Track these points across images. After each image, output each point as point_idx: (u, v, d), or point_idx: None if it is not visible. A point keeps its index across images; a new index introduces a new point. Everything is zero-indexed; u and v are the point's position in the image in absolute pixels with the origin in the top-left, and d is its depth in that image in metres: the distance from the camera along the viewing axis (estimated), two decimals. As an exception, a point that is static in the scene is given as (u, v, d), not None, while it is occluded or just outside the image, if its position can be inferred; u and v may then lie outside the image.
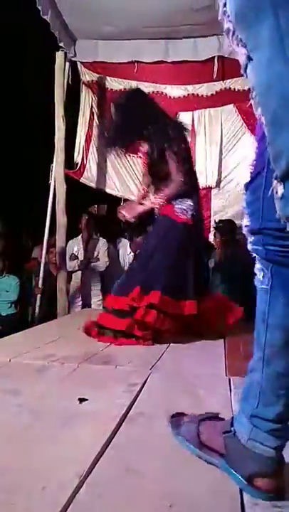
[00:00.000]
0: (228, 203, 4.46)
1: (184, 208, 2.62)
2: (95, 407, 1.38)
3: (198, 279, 2.60)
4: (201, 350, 2.35)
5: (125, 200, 5.01)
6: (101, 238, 4.75)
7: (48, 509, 0.83)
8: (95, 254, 4.61)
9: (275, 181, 0.68)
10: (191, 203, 2.65)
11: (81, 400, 1.42)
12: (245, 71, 0.69)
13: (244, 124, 4.38)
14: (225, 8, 0.69)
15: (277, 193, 0.68)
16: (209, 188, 4.49)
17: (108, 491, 0.91)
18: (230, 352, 2.26)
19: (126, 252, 4.89)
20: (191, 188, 2.70)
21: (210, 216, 4.54)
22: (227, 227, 4.02)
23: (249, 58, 0.67)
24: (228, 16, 0.68)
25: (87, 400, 1.43)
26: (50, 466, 1.00)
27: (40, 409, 1.36)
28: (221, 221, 4.17)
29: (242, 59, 0.69)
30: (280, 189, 0.67)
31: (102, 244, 4.70)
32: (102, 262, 4.62)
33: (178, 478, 0.98)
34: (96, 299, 4.58)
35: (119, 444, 1.13)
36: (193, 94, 4.50)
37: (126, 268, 4.51)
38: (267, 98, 0.66)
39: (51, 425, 1.23)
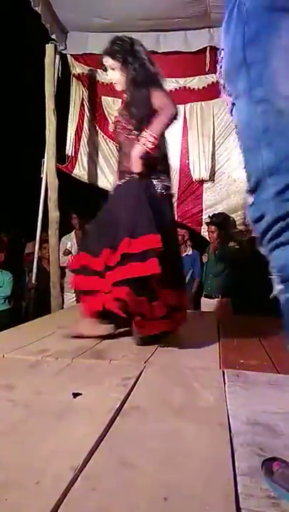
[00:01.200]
0: (220, 197, 4.45)
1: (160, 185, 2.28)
2: (89, 402, 1.38)
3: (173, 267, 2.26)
4: (195, 343, 2.35)
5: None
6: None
7: (42, 503, 0.83)
8: None
9: (247, 194, 0.88)
10: (168, 184, 2.35)
11: (75, 395, 1.42)
12: (231, 113, 0.92)
13: (236, 117, 4.36)
14: (220, 69, 0.94)
15: (248, 202, 0.88)
16: (201, 182, 4.48)
17: (103, 484, 0.91)
18: (224, 344, 2.27)
19: None
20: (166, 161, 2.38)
21: (202, 210, 4.54)
22: (220, 221, 4.02)
23: (233, 104, 0.90)
24: (221, 74, 0.94)
25: (81, 394, 1.43)
26: (45, 461, 0.99)
27: (34, 404, 1.35)
28: (214, 215, 4.17)
29: (229, 105, 0.92)
30: (250, 199, 0.87)
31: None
32: None
33: (173, 471, 0.99)
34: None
35: (113, 438, 1.13)
36: (184, 87, 4.47)
37: None
38: (243, 132, 0.89)
39: (45, 420, 1.23)
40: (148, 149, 2.17)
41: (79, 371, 1.73)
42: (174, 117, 2.23)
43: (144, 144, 2.17)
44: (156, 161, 2.29)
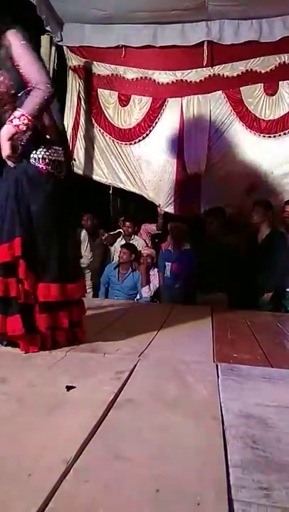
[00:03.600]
0: (217, 191, 4.44)
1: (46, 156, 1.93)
2: (82, 395, 1.38)
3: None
4: (190, 337, 2.36)
5: (114, 187, 4.99)
6: (83, 231, 4.48)
7: (33, 495, 0.83)
8: None
9: None
10: (58, 159, 1.97)
11: (69, 388, 1.42)
12: None
13: (233, 111, 4.35)
14: None
15: None
16: (198, 175, 4.47)
17: (95, 476, 0.91)
18: (218, 338, 2.28)
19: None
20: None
21: (200, 204, 4.53)
22: (216, 215, 4.00)
23: None
24: None
25: (74, 387, 1.42)
26: (37, 453, 0.99)
27: (27, 397, 1.35)
28: (210, 209, 4.16)
29: None
30: None
31: (83, 238, 4.42)
32: (86, 257, 4.43)
33: (165, 463, 0.99)
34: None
35: (106, 430, 1.13)
36: (181, 80, 4.45)
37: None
38: None
39: (38, 413, 1.23)
40: (19, 130, 1.80)
41: (73, 364, 1.73)
42: (52, 96, 1.86)
43: (15, 125, 1.79)
44: (42, 132, 1.95)
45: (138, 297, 4.26)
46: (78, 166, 4.75)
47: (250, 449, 1.08)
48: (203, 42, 4.27)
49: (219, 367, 1.73)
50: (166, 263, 4.11)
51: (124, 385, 1.48)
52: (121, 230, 4.73)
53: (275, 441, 1.14)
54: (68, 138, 4.71)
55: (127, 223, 4.62)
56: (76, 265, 2.07)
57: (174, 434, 1.14)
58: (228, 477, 0.93)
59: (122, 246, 4.34)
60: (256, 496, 0.87)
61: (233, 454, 1.04)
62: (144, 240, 4.71)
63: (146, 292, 4.24)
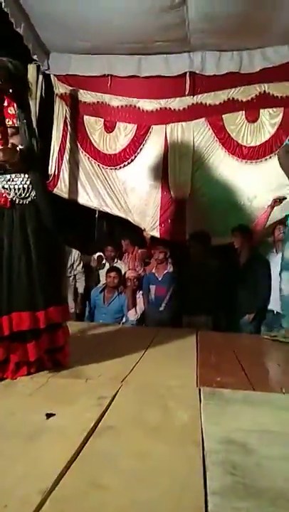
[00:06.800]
0: (201, 216, 4.51)
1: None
2: (62, 422, 1.36)
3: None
4: (174, 360, 2.35)
5: (100, 211, 5.03)
6: (74, 250, 4.52)
7: (8, 528, 0.81)
8: (68, 267, 4.47)
9: None
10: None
11: (48, 415, 1.40)
12: None
13: (215, 138, 4.47)
14: None
15: None
16: (183, 200, 4.55)
17: (71, 506, 0.90)
18: (202, 362, 2.28)
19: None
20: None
21: (184, 228, 4.58)
22: (200, 239, 4.06)
23: None
24: None
25: (54, 414, 1.41)
26: (13, 484, 0.98)
27: (6, 425, 1.33)
28: (194, 233, 4.22)
29: None
30: None
31: (76, 258, 4.48)
32: (79, 279, 4.49)
33: (143, 491, 0.98)
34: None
35: (84, 459, 1.12)
36: (165, 108, 4.57)
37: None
38: None
39: (16, 441, 1.21)
40: None
41: (54, 391, 1.71)
42: None
43: None
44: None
45: (124, 320, 4.24)
46: (64, 190, 4.79)
47: (230, 475, 1.08)
48: (185, 72, 4.42)
49: (202, 391, 1.73)
50: (151, 286, 4.13)
51: (105, 411, 1.47)
52: (101, 254, 4.75)
53: (255, 466, 1.14)
54: (54, 163, 4.78)
55: (109, 247, 4.65)
56: (52, 289, 2.05)
57: (153, 461, 1.14)
58: (206, 504, 0.93)
59: (109, 270, 4.34)
60: (233, 524, 0.87)
61: (212, 481, 1.04)
62: (134, 264, 4.73)
63: (132, 315, 4.22)
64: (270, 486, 1.02)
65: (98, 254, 4.78)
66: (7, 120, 2.02)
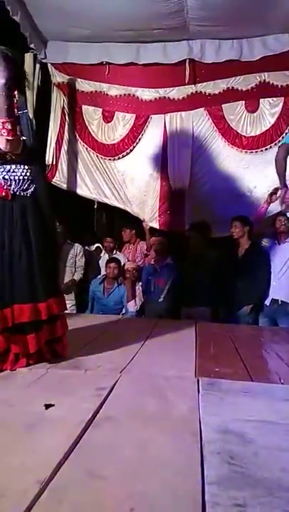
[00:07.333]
0: (200, 206, 4.49)
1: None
2: (61, 413, 1.37)
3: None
4: (173, 351, 2.36)
5: (98, 202, 5.00)
6: (76, 244, 4.45)
7: (5, 518, 0.82)
8: (70, 260, 4.40)
9: None
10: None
11: (47, 406, 1.40)
12: None
13: (215, 128, 4.43)
14: None
15: None
16: (182, 190, 4.53)
17: (70, 496, 0.91)
18: (200, 353, 2.28)
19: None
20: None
21: (184, 219, 4.57)
22: (199, 229, 4.05)
23: None
24: None
25: (53, 405, 1.41)
26: (11, 475, 0.98)
27: (4, 416, 1.33)
28: (194, 224, 4.20)
29: None
30: None
31: (78, 251, 4.41)
32: (78, 271, 4.42)
33: (140, 481, 0.98)
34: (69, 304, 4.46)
35: (83, 449, 1.13)
36: (164, 97, 4.53)
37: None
38: None
39: (15, 433, 1.21)
40: None
41: (53, 382, 1.72)
42: None
43: None
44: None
45: (124, 311, 4.24)
46: (62, 181, 4.76)
47: (227, 464, 1.08)
48: (185, 60, 4.37)
49: (200, 381, 1.74)
50: (150, 277, 4.13)
51: (103, 402, 1.47)
52: (99, 245, 4.73)
53: (253, 456, 1.14)
54: (51, 153, 4.75)
55: (108, 239, 4.63)
56: (51, 281, 2.05)
57: (151, 452, 1.14)
58: (203, 494, 0.93)
59: (109, 261, 4.33)
60: (230, 513, 0.88)
61: (209, 470, 1.04)
62: (135, 255, 4.70)
63: (132, 306, 4.23)
64: (267, 476, 1.03)
65: (97, 245, 4.77)
66: None
